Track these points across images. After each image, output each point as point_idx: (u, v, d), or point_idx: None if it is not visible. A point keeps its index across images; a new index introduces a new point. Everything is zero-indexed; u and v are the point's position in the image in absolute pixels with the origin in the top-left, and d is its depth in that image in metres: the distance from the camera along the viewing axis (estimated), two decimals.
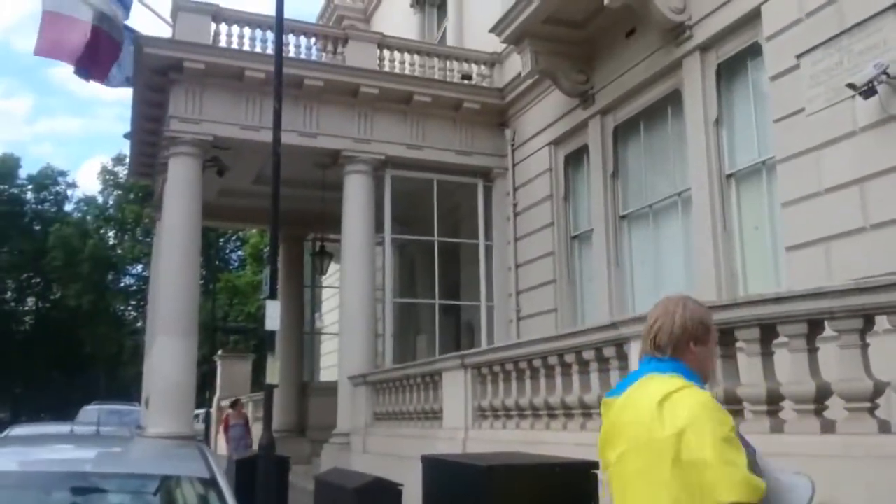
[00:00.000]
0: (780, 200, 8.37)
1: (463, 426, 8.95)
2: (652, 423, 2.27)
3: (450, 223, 15.30)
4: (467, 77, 14.83)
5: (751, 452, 2.30)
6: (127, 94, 14.83)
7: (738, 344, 5.46)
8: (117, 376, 47.01)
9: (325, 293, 25.95)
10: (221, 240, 45.07)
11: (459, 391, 9.16)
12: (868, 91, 7.07)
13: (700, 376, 2.44)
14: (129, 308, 51.02)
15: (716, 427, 2.20)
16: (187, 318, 12.69)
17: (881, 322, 4.74)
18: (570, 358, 7.20)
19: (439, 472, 4.15)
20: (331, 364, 21.70)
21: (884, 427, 4.53)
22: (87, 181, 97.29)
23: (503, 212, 14.35)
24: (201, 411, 26.01)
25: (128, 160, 22.33)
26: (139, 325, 43.93)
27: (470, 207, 14.82)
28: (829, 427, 4.73)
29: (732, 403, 5.37)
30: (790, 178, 8.19)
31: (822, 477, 4.61)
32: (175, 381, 12.36)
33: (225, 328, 39.10)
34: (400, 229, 15.15)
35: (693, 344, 2.44)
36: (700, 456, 2.16)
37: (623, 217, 11.59)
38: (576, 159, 12.87)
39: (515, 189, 14.11)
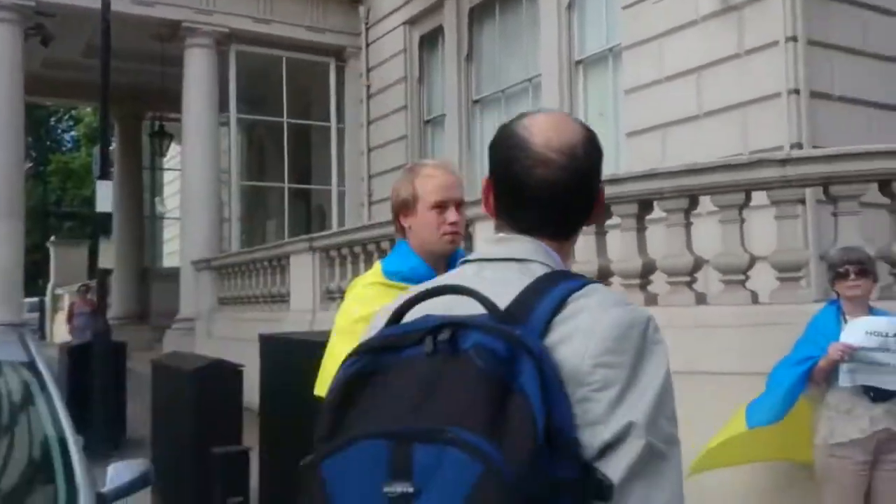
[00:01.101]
0: (624, 87, 8.57)
1: (311, 308, 8.91)
2: None
3: (300, 104, 14.74)
4: None
5: None
6: None
7: None
8: None
9: (167, 176, 24.75)
10: (52, 119, 41.50)
11: (307, 274, 9.07)
12: None
13: (423, 252, 2.27)
14: None
15: (339, 320, 2.23)
16: (11, 199, 11.72)
17: (705, 204, 5.01)
18: None
19: (277, 349, 4.08)
20: (173, 250, 20.93)
21: (700, 299, 4.86)
22: None
23: (356, 94, 13.94)
24: (34, 300, 24.63)
25: None
26: None
27: (322, 88, 14.29)
28: (651, 300, 5.03)
29: None
30: (634, 65, 8.38)
31: None
32: (1, 267, 11.51)
33: (58, 213, 36.65)
34: (247, 109, 14.45)
35: (401, 218, 2.28)
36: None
37: (476, 102, 11.55)
38: (431, 41, 12.58)
39: (369, 70, 13.69)
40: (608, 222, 5.44)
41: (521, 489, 0.89)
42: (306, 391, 3.80)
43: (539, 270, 1.13)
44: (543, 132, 1.17)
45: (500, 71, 11.18)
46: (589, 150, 1.19)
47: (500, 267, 1.16)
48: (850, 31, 7.12)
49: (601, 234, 5.42)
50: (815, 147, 6.34)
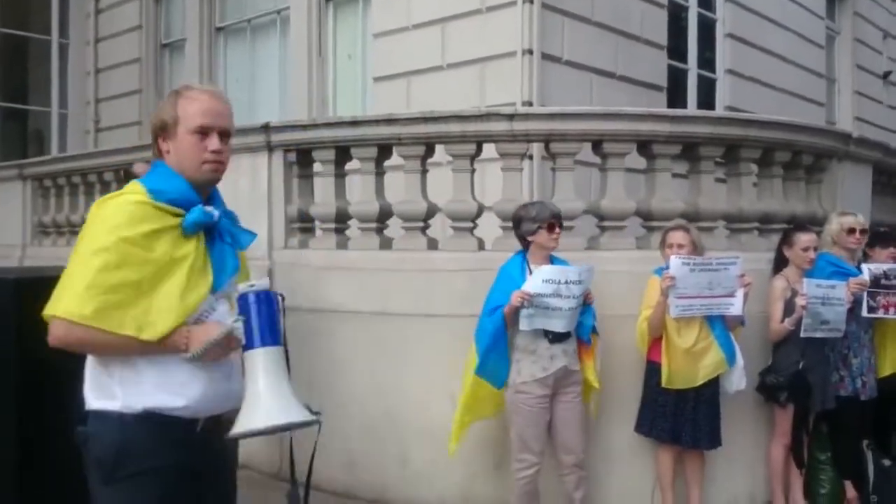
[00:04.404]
0: (373, 31, 8.53)
1: (20, 243, 8.01)
2: None
3: (17, 12, 12.91)
4: None
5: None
6: None
7: (316, 165, 5.56)
8: None
9: None
10: None
11: (16, 205, 8.11)
12: None
13: (184, 173, 2.22)
14: None
15: (99, 237, 2.07)
16: None
17: (441, 154, 5.16)
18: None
19: None
20: None
21: (432, 244, 5.03)
22: None
23: (82, 6, 12.51)
24: None
25: None
26: None
27: None
28: (386, 244, 5.12)
29: (306, 221, 5.53)
30: (383, 10, 8.34)
31: (377, 288, 5.01)
32: None
33: None
34: None
35: (161, 141, 2.26)
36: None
37: (219, 29, 10.89)
38: None
39: None
40: (348, 165, 5.43)
41: None
42: None
43: None
44: None
45: None
46: None
47: None
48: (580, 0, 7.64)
49: (340, 176, 5.39)
50: (543, 106, 6.77)
